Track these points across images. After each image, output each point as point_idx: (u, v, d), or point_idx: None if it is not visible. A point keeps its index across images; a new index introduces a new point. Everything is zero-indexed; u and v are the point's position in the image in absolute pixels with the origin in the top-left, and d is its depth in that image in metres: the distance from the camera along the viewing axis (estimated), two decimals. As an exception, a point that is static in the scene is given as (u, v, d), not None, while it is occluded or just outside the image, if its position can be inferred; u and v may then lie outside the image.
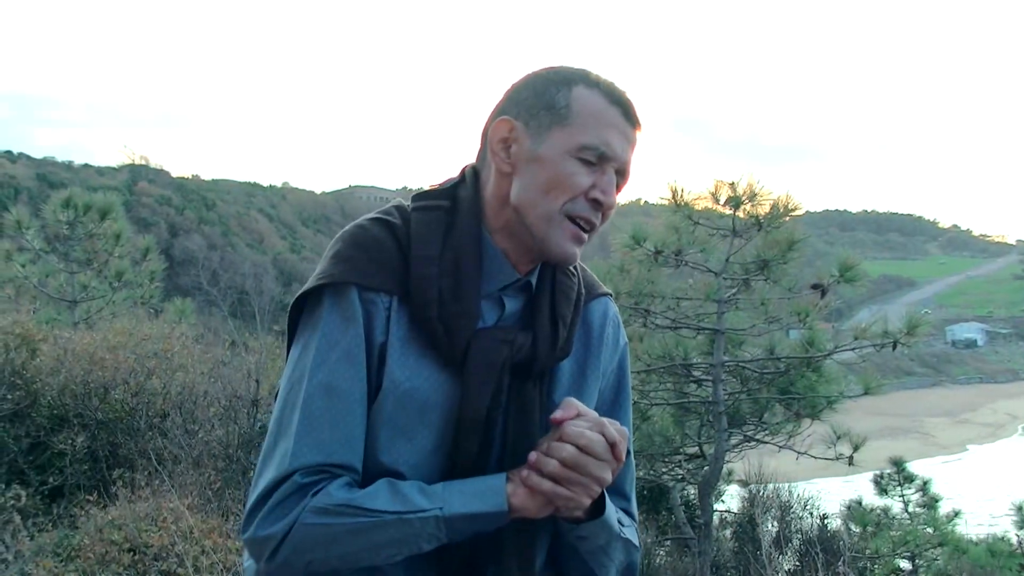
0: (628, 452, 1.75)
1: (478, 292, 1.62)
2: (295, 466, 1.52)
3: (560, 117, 1.60)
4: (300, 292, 1.63)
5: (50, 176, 68.90)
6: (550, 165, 1.59)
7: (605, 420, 1.55)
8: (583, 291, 1.78)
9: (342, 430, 1.55)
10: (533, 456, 1.53)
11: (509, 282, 1.67)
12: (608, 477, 1.54)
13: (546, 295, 1.70)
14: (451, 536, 1.52)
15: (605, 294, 1.87)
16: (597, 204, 1.61)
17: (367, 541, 1.51)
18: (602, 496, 1.63)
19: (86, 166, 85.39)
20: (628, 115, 1.63)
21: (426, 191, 1.72)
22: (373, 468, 1.59)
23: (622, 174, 1.64)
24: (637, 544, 1.79)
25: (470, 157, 1.75)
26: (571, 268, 1.75)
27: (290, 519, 1.51)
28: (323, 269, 1.61)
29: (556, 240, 1.61)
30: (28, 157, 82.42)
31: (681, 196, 10.58)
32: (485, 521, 1.53)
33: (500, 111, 1.68)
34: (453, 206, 1.68)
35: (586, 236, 1.64)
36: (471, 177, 1.72)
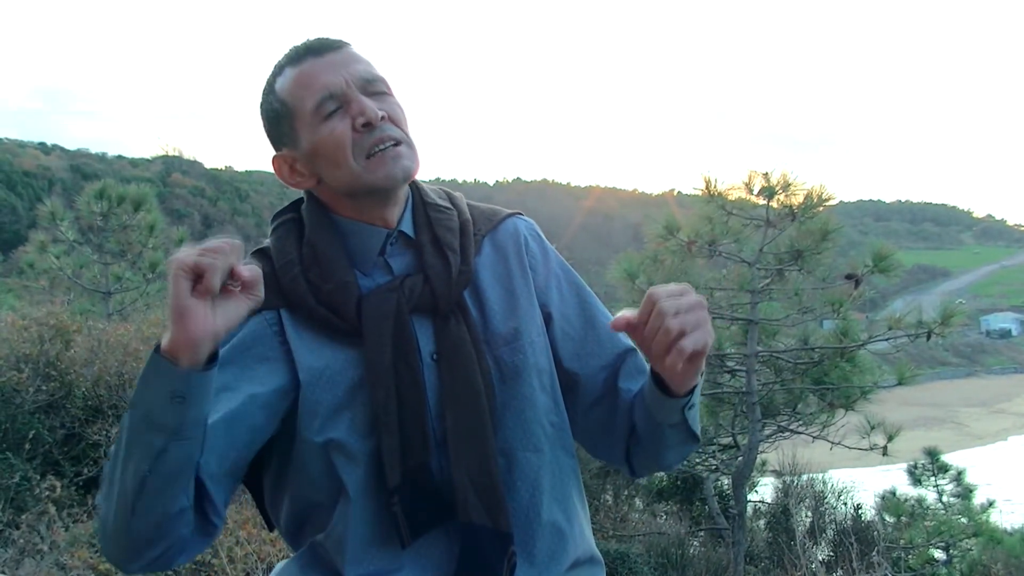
0: (632, 349, 1.84)
1: (347, 266, 1.68)
2: None
3: (288, 114, 1.68)
4: None
5: (84, 167, 69.73)
6: (317, 146, 1.66)
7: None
8: (471, 219, 1.82)
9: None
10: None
11: (382, 241, 1.72)
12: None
13: (426, 236, 1.73)
14: (144, 412, 1.46)
15: (510, 215, 1.90)
16: (368, 125, 1.63)
17: (119, 463, 1.48)
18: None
19: (120, 157, 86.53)
20: (317, 51, 1.67)
21: (279, 210, 1.82)
22: (323, 445, 1.64)
23: (369, 84, 1.67)
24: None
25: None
26: (445, 203, 1.81)
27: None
28: None
29: (372, 179, 1.65)
30: (62, 149, 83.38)
31: (714, 187, 10.56)
32: (154, 376, 1.47)
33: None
34: (299, 214, 1.77)
35: (395, 149, 1.66)
36: (305, 192, 1.80)
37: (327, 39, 1.69)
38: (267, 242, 1.76)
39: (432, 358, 1.68)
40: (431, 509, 1.64)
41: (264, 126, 1.75)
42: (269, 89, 1.70)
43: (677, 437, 1.74)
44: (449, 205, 1.80)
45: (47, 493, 6.40)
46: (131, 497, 1.46)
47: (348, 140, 1.62)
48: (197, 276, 1.44)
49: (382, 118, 1.64)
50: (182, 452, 1.48)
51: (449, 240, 1.73)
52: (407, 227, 1.74)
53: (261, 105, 1.73)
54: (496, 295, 1.77)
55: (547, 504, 1.74)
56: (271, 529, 1.87)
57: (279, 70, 1.69)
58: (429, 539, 1.66)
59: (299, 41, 1.72)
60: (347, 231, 1.71)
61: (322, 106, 1.63)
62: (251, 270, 1.50)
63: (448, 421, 1.65)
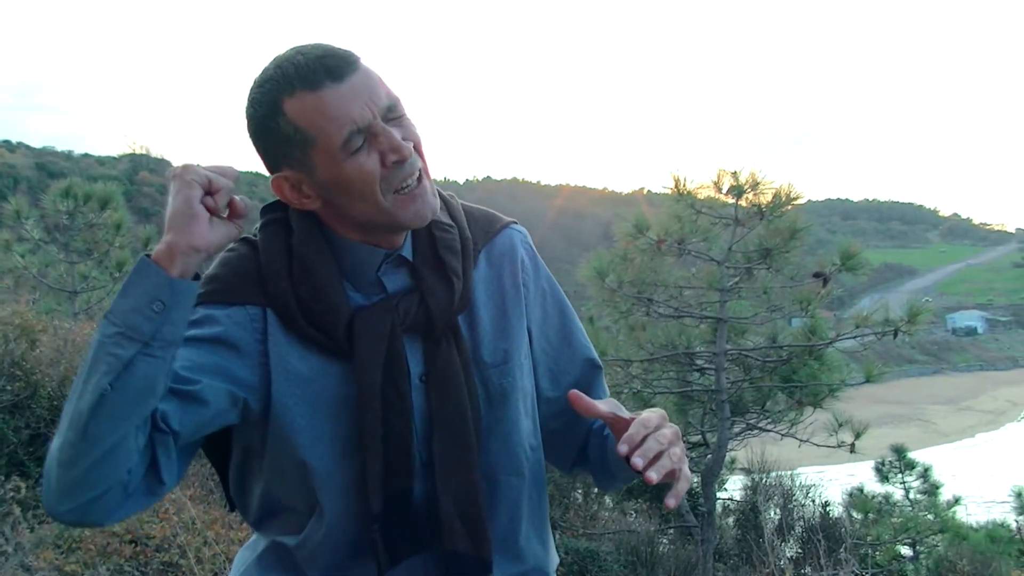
0: (599, 367, 1.90)
1: (339, 286, 1.62)
2: None
3: (305, 142, 1.54)
4: None
5: (49, 165, 69.20)
6: (341, 179, 1.55)
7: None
8: (471, 235, 1.75)
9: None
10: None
11: (379, 262, 1.66)
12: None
13: (427, 257, 1.68)
14: (121, 320, 1.43)
15: (506, 225, 1.84)
16: (399, 162, 1.55)
17: (79, 384, 1.43)
18: None
19: (86, 156, 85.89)
20: (337, 75, 1.52)
21: (267, 204, 1.72)
22: (300, 462, 1.61)
23: (390, 111, 1.56)
24: None
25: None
26: (447, 221, 1.73)
27: None
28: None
29: (402, 216, 1.59)
30: (27, 146, 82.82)
31: (683, 185, 10.61)
32: (138, 281, 1.45)
33: (269, 172, 1.65)
34: (286, 215, 1.68)
35: (422, 186, 1.59)
36: None
37: (339, 55, 1.54)
38: (255, 230, 1.69)
39: (420, 380, 1.65)
40: (411, 536, 1.63)
41: (260, 142, 1.61)
42: (276, 108, 1.53)
43: (625, 481, 1.82)
44: (451, 222, 1.73)
45: (12, 494, 6.32)
46: (86, 416, 1.40)
47: (378, 177, 1.53)
48: (208, 191, 1.47)
49: (407, 152, 1.55)
50: (148, 371, 1.42)
51: (453, 265, 1.68)
52: (407, 252, 1.67)
53: (260, 119, 1.57)
54: (489, 315, 1.74)
55: (525, 530, 1.75)
56: (232, 510, 1.84)
57: (289, 89, 1.52)
58: (406, 564, 1.64)
59: (303, 51, 1.55)
60: (343, 249, 1.64)
61: (350, 141, 1.51)
62: (244, 201, 1.52)
63: (435, 446, 1.63)
